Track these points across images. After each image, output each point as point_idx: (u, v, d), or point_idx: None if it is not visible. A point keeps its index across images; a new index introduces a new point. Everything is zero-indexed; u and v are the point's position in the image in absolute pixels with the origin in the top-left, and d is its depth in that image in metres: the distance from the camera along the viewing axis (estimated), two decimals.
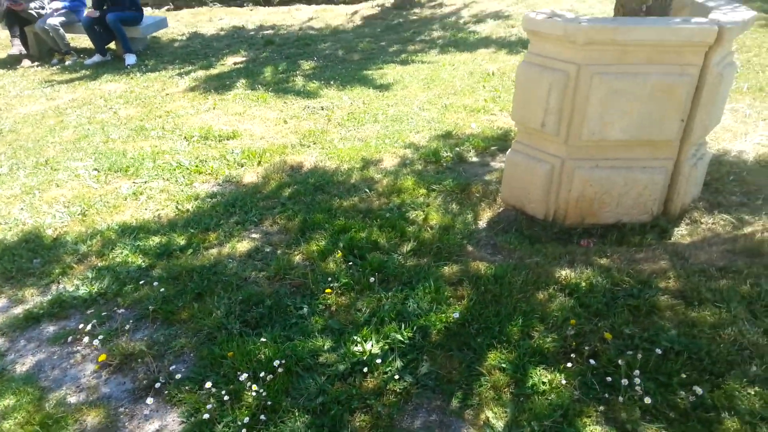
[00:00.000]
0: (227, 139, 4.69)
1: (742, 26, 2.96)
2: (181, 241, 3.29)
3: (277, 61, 7.14)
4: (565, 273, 2.89)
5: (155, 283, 2.92)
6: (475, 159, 4.17)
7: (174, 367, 2.45)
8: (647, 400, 2.17)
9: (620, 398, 2.20)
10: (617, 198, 3.23)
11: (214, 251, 3.21)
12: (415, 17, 9.16)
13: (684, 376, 2.27)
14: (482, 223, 3.43)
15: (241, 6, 11.51)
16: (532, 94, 3.09)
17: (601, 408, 2.18)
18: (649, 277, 2.83)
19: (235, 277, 2.96)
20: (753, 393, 2.19)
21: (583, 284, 2.79)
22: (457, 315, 2.62)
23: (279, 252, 3.18)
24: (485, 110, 4.94)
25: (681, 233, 3.23)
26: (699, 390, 2.20)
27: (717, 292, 2.70)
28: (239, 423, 2.14)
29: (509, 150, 3.41)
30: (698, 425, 2.08)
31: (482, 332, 2.55)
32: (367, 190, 3.76)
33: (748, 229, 3.19)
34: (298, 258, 3.13)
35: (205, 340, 2.58)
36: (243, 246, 3.25)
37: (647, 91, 2.92)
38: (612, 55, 2.88)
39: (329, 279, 2.92)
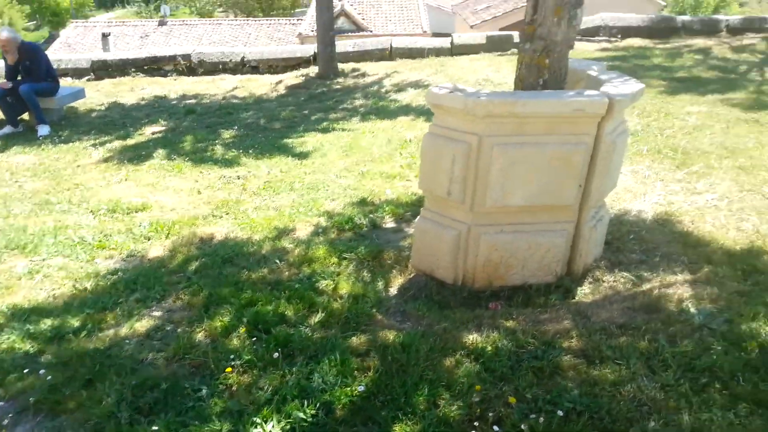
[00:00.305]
0: (136, 212, 4.56)
1: (631, 98, 3.14)
2: (76, 323, 3.11)
3: (197, 130, 7.10)
4: (472, 337, 2.88)
5: (42, 371, 2.72)
6: (389, 225, 4.19)
7: None
8: None
9: None
10: (522, 261, 3.28)
11: (110, 332, 3.04)
12: (338, 86, 9.35)
13: None
14: (393, 290, 3.41)
15: (165, 76, 11.48)
16: (437, 163, 3.16)
17: None
18: (552, 338, 2.86)
19: (130, 360, 2.80)
20: None
21: (489, 348, 2.78)
22: (362, 388, 2.55)
23: (180, 330, 3.04)
24: (401, 176, 5.02)
25: (584, 292, 3.30)
26: None
27: (617, 349, 2.75)
28: None
29: (418, 217, 3.45)
30: None
31: (388, 404, 2.48)
32: (278, 261, 3.69)
33: (646, 286, 3.29)
34: (200, 335, 3.01)
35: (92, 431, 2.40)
36: (142, 325, 3.10)
37: (545, 160, 3.02)
38: (511, 127, 2.98)
39: (231, 357, 2.80)
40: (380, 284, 3.44)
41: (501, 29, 15.28)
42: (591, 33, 10.89)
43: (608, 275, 3.42)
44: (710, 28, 10.87)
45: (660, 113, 6.56)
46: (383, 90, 8.95)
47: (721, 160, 4.95)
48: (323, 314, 3.11)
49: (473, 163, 3.04)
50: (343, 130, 6.86)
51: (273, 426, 2.37)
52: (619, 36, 10.89)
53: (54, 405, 2.54)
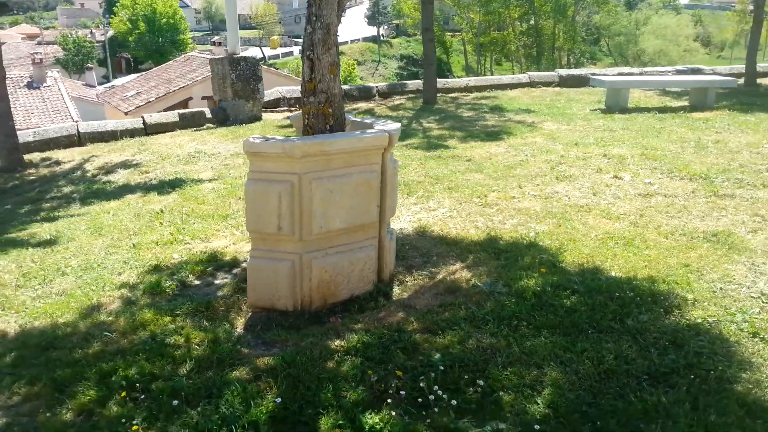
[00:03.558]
0: None
1: (397, 132, 4.02)
2: None
3: None
4: (338, 342, 3.35)
5: None
6: (197, 282, 4.32)
7: None
8: (453, 402, 2.78)
9: (433, 408, 2.74)
10: (347, 276, 3.86)
11: None
12: (33, 177, 8.59)
13: (466, 377, 2.95)
14: (240, 330, 3.64)
15: None
16: (264, 205, 3.55)
17: (428, 421, 2.69)
18: (398, 326, 3.50)
19: None
20: (510, 371, 2.99)
21: (358, 345, 3.29)
22: (279, 400, 2.82)
23: (40, 419, 2.82)
24: (178, 241, 5.11)
25: (397, 292, 4.03)
26: (481, 382, 2.91)
27: (447, 321, 3.53)
28: None
29: (249, 259, 3.76)
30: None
31: (306, 407, 2.80)
32: (108, 333, 3.57)
33: (439, 277, 4.18)
34: (68, 416, 2.84)
35: None
36: None
37: (352, 187, 3.69)
38: (322, 164, 3.57)
39: (123, 420, 2.75)
40: (226, 327, 3.63)
41: (162, 110, 15.47)
42: (273, 104, 12.08)
43: (408, 276, 4.21)
44: (366, 94, 13.04)
45: (407, 159, 7.80)
46: (89, 174, 8.55)
47: (434, 185, 6.29)
48: (192, 362, 3.21)
49: (297, 198, 3.54)
50: (71, 216, 6.47)
51: None
52: (297, 105, 12.31)
53: None
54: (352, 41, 70.86)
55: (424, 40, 12.37)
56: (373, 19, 76.66)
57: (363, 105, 12.55)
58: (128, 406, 2.86)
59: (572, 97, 12.64)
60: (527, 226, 5.07)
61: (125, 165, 8.80)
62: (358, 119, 4.32)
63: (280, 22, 75.09)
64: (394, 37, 77.09)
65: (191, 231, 5.34)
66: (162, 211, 6.00)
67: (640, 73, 14.01)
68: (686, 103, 11.26)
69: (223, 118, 11.02)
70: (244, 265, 4.57)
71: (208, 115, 11.01)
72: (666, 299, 3.72)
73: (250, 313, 3.81)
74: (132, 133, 10.45)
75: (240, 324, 3.71)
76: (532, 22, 59.45)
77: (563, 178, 6.52)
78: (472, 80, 14.36)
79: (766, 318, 3.51)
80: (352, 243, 3.86)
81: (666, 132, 8.72)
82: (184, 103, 22.27)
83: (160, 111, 19.84)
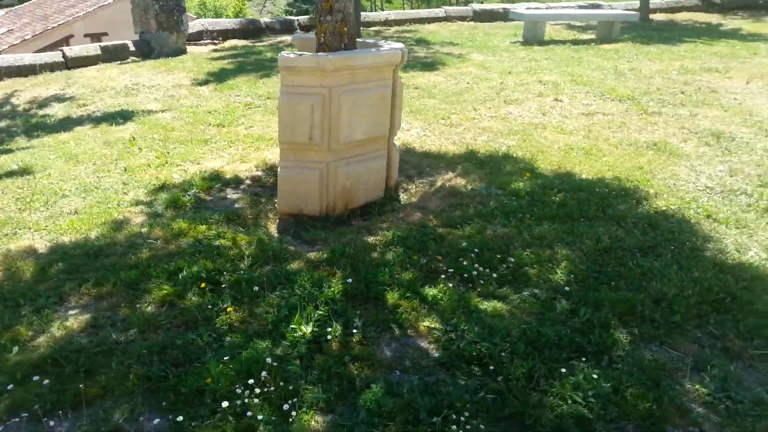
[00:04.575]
0: None
1: (406, 51, 4.34)
2: None
3: None
4: (373, 238, 3.77)
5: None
6: (209, 198, 4.52)
7: None
8: (494, 275, 3.31)
9: (478, 281, 3.26)
10: (364, 184, 4.24)
11: (49, 336, 2.86)
12: None
13: (498, 256, 3.48)
14: (274, 233, 3.95)
15: None
16: (297, 116, 3.82)
17: (478, 290, 3.21)
18: (421, 222, 3.96)
19: (111, 346, 2.78)
20: (529, 251, 3.56)
21: (395, 238, 3.72)
22: (350, 280, 3.22)
23: (122, 312, 3.06)
24: (169, 164, 5.20)
25: (405, 198, 4.46)
26: (511, 259, 3.45)
27: (461, 217, 4.02)
28: None
29: (279, 169, 4.03)
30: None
31: (372, 286, 3.22)
32: (153, 241, 3.76)
33: (438, 184, 4.66)
34: (150, 309, 3.10)
35: None
36: (75, 324, 2.98)
37: (372, 100, 4.02)
38: (348, 78, 3.87)
39: (210, 306, 3.05)
40: (263, 230, 3.92)
41: (39, 50, 14.47)
42: (196, 37, 11.74)
43: (410, 185, 4.66)
44: (288, 27, 12.96)
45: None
46: (20, 108, 8.13)
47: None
48: (249, 260, 3.50)
49: (327, 109, 3.84)
50: (25, 148, 6.28)
51: (306, 326, 2.87)
52: (220, 38, 12.06)
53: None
54: None
55: None
56: None
57: (288, 38, 12.48)
58: (209, 295, 3.15)
59: (488, 31, 13.26)
60: (497, 141, 5.63)
61: (58, 99, 8.42)
62: (360, 39, 4.58)
63: None
64: None
65: (178, 155, 5.43)
66: (134, 138, 5.99)
67: (547, 8, 14.82)
68: (593, 36, 12.20)
69: (147, 51, 10.64)
70: (248, 182, 4.82)
71: (132, 47, 10.58)
72: (634, 193, 4.42)
73: (278, 220, 4.11)
74: (52, 68, 9.88)
75: (273, 228, 4.01)
76: None
77: (510, 101, 7.12)
78: (392, 14, 14.59)
79: (714, 204, 4.30)
80: (368, 153, 4.22)
81: (585, 61, 9.54)
82: (64, 41, 20.73)
83: (37, 51, 18.47)
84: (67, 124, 7.07)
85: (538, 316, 3.02)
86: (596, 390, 2.51)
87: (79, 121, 7.18)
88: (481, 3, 21.02)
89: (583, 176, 4.76)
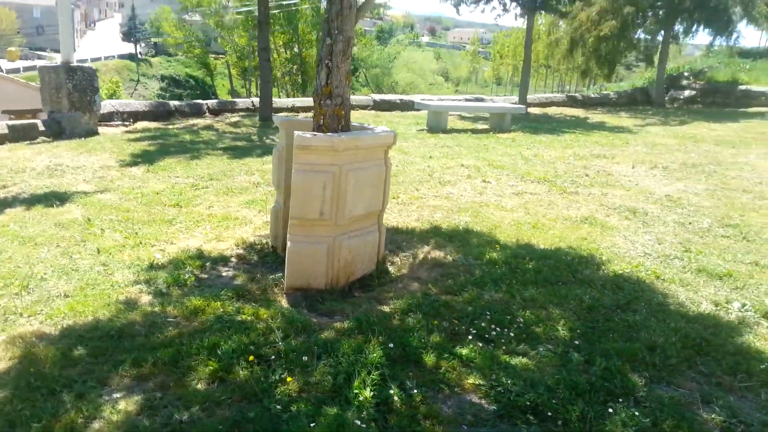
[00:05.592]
0: None
1: (396, 135, 4.75)
2: None
3: None
4: (389, 307, 4.02)
5: None
6: (206, 275, 4.54)
7: None
8: (511, 334, 3.68)
9: (499, 340, 3.62)
10: (362, 257, 4.50)
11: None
12: None
13: (507, 318, 3.87)
14: (287, 306, 4.07)
15: None
16: (310, 192, 4.06)
17: (502, 348, 3.55)
18: (424, 292, 4.27)
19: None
20: (529, 312, 3.98)
21: (410, 307, 3.99)
22: (391, 344, 3.43)
23: (171, 391, 3.06)
24: (143, 244, 5.12)
25: (394, 270, 4.76)
26: (520, 320, 3.85)
27: (455, 285, 4.39)
28: None
29: (289, 243, 4.19)
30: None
31: (408, 349, 3.45)
32: (173, 319, 3.74)
33: (421, 257, 5.01)
34: (200, 386, 3.12)
35: None
36: (125, 409, 2.94)
37: (371, 178, 4.37)
38: (352, 157, 4.20)
39: (262, 381, 3.13)
40: (277, 305, 4.03)
41: None
42: (107, 118, 11.51)
43: (395, 257, 4.97)
44: (197, 110, 13.06)
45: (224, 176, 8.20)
46: None
47: None
48: (279, 332, 3.61)
49: (337, 186, 4.13)
50: None
51: (365, 389, 3.05)
52: (131, 120, 11.89)
53: None
54: (107, 58, 66.32)
55: (261, 60, 12.87)
56: (129, 35, 72.63)
57: (199, 121, 12.59)
58: (257, 368, 3.22)
59: (391, 120, 14.19)
60: (452, 218, 6.14)
61: None
62: (353, 123, 4.91)
63: (19, 32, 67.11)
64: (153, 56, 73.79)
65: (147, 235, 5.38)
66: (90, 220, 5.82)
67: (439, 100, 16.14)
68: (487, 126, 13.47)
69: (58, 131, 10.29)
70: (233, 260, 4.90)
71: (41, 127, 10.18)
72: (592, 260, 5.05)
73: (285, 294, 4.23)
74: None
75: (284, 302, 4.13)
76: (296, 49, 61.81)
77: (445, 182, 7.75)
78: (297, 101, 15.18)
79: (657, 267, 5.01)
80: (365, 227, 4.51)
81: (491, 148, 10.55)
82: None
83: None
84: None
85: (561, 368, 3.40)
86: (640, 425, 2.90)
87: (7, 204, 6.80)
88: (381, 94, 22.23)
89: (542, 246, 5.34)
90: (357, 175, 4.20)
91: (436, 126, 12.47)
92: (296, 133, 4.06)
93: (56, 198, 6.79)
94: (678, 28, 20.39)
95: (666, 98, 20.88)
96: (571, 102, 19.67)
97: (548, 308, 4.11)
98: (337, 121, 4.43)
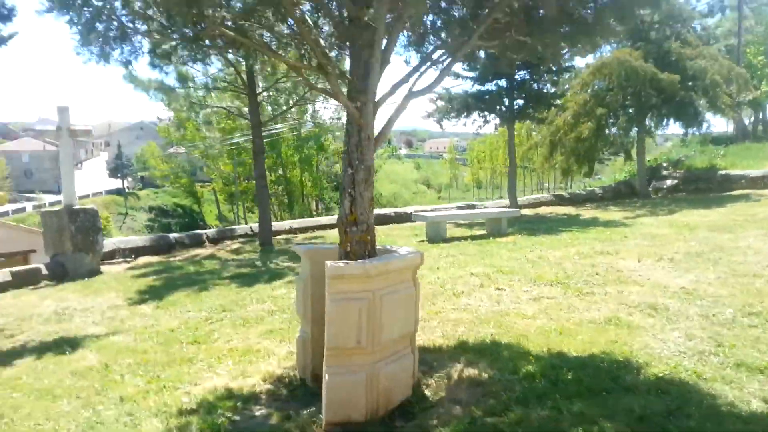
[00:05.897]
0: None
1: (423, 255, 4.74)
2: None
3: None
4: None
5: None
6: (238, 417, 4.36)
7: None
8: None
9: None
10: (398, 382, 4.37)
11: None
12: None
13: None
14: None
15: None
16: (345, 321, 4.01)
17: None
18: (470, 415, 4.12)
19: None
20: (581, 429, 3.83)
21: None
22: None
23: None
24: (167, 388, 4.95)
25: (430, 392, 4.61)
26: None
27: (499, 405, 4.24)
28: None
29: (327, 376, 4.07)
30: None
31: None
32: None
33: (455, 377, 4.87)
34: None
35: None
36: None
37: (403, 301, 4.33)
38: (384, 281, 4.19)
39: None
40: None
41: None
42: (108, 256, 11.50)
43: (429, 379, 4.83)
44: (197, 240, 13.13)
45: (239, 304, 8.13)
46: None
47: None
48: None
49: (372, 312, 4.08)
50: None
51: None
52: (133, 255, 11.89)
53: None
54: (95, 194, 67.40)
55: (258, 186, 13.17)
56: (116, 171, 74.33)
57: (200, 251, 12.62)
58: None
59: (389, 233, 14.34)
60: (477, 331, 6.05)
61: None
62: (378, 246, 4.90)
63: (8, 177, 68.45)
64: (140, 189, 75.24)
65: (169, 377, 5.21)
66: (107, 366, 5.65)
67: (432, 210, 16.42)
68: (485, 231, 13.63)
69: (61, 273, 10.23)
70: (263, 396, 4.74)
71: (44, 271, 10.14)
72: (630, 364, 4.94)
73: (326, 430, 4.05)
74: None
75: None
76: (281, 171, 63.35)
77: (459, 294, 7.70)
78: (294, 223, 15.38)
79: (696, 365, 4.91)
80: (399, 351, 4.42)
81: (495, 254, 10.61)
82: None
83: None
84: (4, 358, 6.49)
85: None
86: None
87: (17, 354, 6.63)
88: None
89: (574, 353, 5.24)
90: (390, 298, 4.17)
91: (436, 236, 12.60)
92: (328, 263, 4.05)
93: (67, 344, 6.63)
94: (649, 123, 21.33)
95: (650, 189, 21.45)
96: (559, 200, 20.13)
97: (599, 422, 3.96)
98: (363, 246, 4.47)
